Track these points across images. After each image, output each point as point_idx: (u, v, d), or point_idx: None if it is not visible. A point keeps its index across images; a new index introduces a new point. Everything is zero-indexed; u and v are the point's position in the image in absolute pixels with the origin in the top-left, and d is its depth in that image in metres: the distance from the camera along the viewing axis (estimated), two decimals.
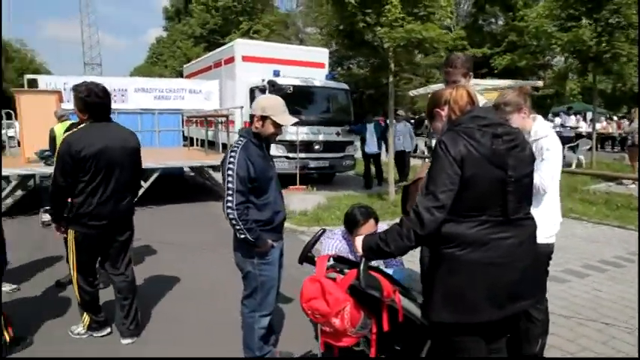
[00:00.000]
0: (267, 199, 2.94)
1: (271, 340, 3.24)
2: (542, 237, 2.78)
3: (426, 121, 2.80)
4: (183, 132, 14.42)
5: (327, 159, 11.37)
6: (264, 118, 2.88)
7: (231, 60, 12.58)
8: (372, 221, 3.15)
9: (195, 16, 35.90)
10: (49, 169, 5.44)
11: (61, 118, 5.99)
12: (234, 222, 2.78)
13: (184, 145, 14.13)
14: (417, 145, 15.67)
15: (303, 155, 10.88)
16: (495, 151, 1.98)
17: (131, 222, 3.72)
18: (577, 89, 31.17)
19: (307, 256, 2.47)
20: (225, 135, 11.21)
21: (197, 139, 13.97)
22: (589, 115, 21.99)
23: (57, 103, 8.35)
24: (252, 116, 2.96)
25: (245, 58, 12.20)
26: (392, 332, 2.37)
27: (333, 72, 14.09)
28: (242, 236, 2.81)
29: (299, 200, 8.71)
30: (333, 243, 3.28)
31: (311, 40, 32.14)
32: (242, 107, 10.67)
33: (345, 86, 12.52)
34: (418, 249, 2.58)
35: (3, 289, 4.45)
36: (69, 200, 3.40)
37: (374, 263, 3.26)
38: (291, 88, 10.73)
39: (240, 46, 12.56)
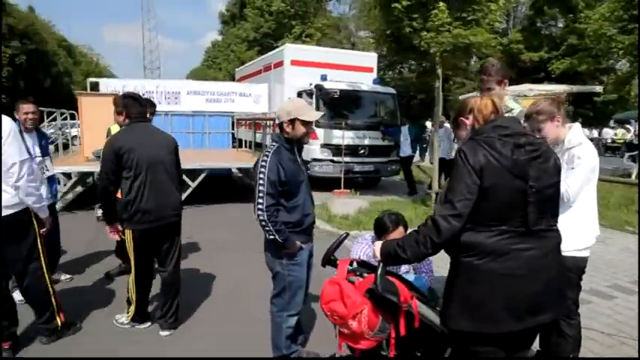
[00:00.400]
0: (296, 202, 3.03)
1: (299, 340, 3.33)
2: (573, 249, 2.73)
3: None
4: (233, 134, 14.81)
5: (372, 163, 11.37)
6: (292, 122, 2.98)
7: (280, 64, 12.84)
8: (401, 228, 3.17)
9: (250, 21, 36.70)
10: None
11: None
12: (263, 223, 2.89)
13: (233, 147, 14.51)
14: None
15: (348, 159, 10.94)
16: (516, 162, 1.97)
17: (180, 220, 3.91)
18: None
19: (330, 259, 2.53)
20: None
21: (246, 141, 14.32)
22: None
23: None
24: (281, 124, 3.05)
25: (294, 62, 12.43)
26: (413, 338, 2.39)
27: (380, 77, 13.92)
28: (271, 237, 2.92)
29: (341, 204, 8.78)
30: (362, 247, 3.32)
31: (363, 44, 32.17)
32: None
33: (392, 91, 12.49)
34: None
35: (60, 278, 4.79)
36: (118, 196, 3.64)
37: (404, 269, 3.31)
38: (338, 92, 10.85)
39: (290, 50, 12.79)
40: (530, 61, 29.37)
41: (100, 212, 7.87)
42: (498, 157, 1.96)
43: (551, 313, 2.13)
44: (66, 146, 12.79)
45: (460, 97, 12.21)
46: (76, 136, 16.02)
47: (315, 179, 10.82)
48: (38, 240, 3.48)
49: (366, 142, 11.26)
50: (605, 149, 23.92)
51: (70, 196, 9.17)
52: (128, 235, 3.66)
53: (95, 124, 8.43)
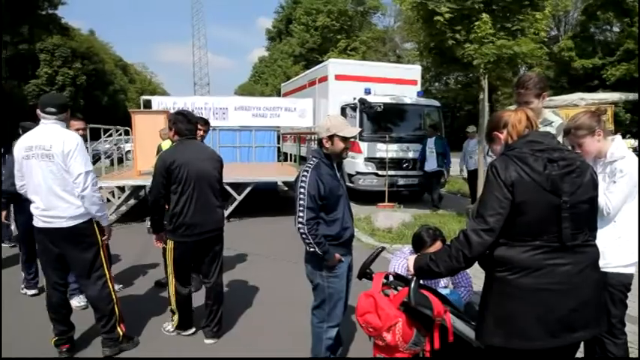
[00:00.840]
0: (336, 215, 3.11)
1: (338, 352, 3.38)
2: (617, 265, 2.66)
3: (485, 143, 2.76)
4: (278, 148, 15.09)
5: (416, 177, 11.29)
6: (331, 137, 3.07)
7: (324, 79, 13.02)
8: (438, 243, 3.19)
9: (296, 36, 37.38)
10: None
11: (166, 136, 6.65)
12: (304, 236, 2.98)
13: (279, 161, 14.78)
14: None
15: (392, 172, 10.91)
16: (549, 177, 1.97)
17: (222, 233, 4.06)
18: None
19: (365, 272, 2.59)
20: None
21: (291, 155, 14.55)
22: None
23: (165, 121, 9.21)
24: (320, 140, 3.15)
25: (338, 77, 12.57)
26: (448, 353, 2.41)
27: (426, 89, 13.79)
28: (311, 250, 3.01)
29: (385, 217, 8.77)
30: (400, 262, 3.35)
31: (408, 56, 32.06)
32: None
33: (437, 103, 12.40)
34: None
35: None
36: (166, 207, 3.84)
37: (442, 284, 3.32)
38: (382, 106, 10.88)
39: (334, 65, 12.96)
40: (583, 69, 28.28)
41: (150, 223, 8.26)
42: (530, 173, 1.98)
43: (589, 331, 2.10)
44: (120, 160, 13.46)
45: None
46: (129, 151, 16.81)
47: (358, 192, 10.90)
48: (101, 249, 3.71)
49: (410, 155, 11.21)
50: None
51: (123, 208, 9.61)
52: (170, 245, 3.85)
53: (147, 139, 8.85)
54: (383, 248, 2.92)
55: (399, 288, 2.36)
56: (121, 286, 5.23)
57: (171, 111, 10.37)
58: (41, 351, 3.73)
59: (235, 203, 9.27)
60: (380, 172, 10.95)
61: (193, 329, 4.10)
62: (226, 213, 9.27)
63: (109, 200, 9.14)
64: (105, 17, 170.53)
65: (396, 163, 11.10)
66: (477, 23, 7.96)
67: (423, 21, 8.91)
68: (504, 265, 2.02)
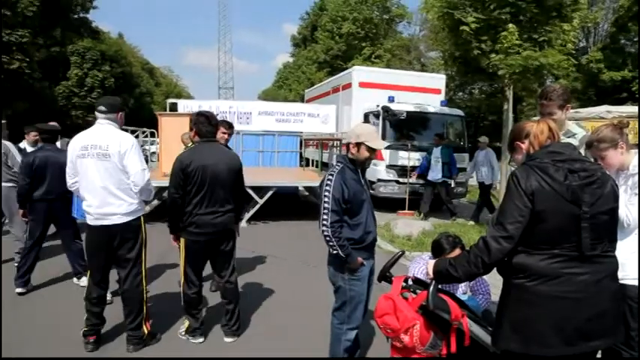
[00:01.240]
0: (359, 219, 3.18)
1: (356, 354, 3.43)
2: (637, 277, 2.65)
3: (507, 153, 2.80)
4: (300, 153, 15.20)
5: (451, 184, 11.24)
6: (358, 145, 3.16)
7: (348, 86, 13.11)
8: (457, 250, 3.23)
9: (321, 43, 37.57)
10: None
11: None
12: (327, 238, 3.06)
13: (301, 166, 14.89)
14: None
15: (413, 180, 10.91)
16: (569, 187, 2.01)
17: (233, 234, 4.13)
18: None
19: (385, 276, 2.65)
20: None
21: (313, 161, 14.65)
22: None
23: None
24: (348, 144, 3.24)
25: (362, 84, 12.65)
26: (465, 357, 2.45)
27: (450, 98, 13.72)
28: (334, 252, 3.08)
29: (405, 225, 8.79)
30: (419, 267, 3.40)
31: (433, 65, 31.96)
32: None
33: (460, 112, 12.37)
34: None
35: None
36: None
37: (461, 291, 3.35)
38: (405, 114, 10.92)
39: (358, 72, 13.05)
40: (611, 81, 27.77)
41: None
42: (551, 182, 2.01)
43: (605, 340, 2.12)
44: (145, 162, 13.69)
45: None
46: (154, 153, 17.15)
47: (379, 199, 10.92)
48: (144, 247, 3.91)
49: None
50: None
51: (147, 208, 9.81)
52: (182, 243, 3.96)
53: (172, 142, 9.04)
54: (403, 252, 2.98)
55: (418, 291, 2.42)
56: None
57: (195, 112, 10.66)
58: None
59: (257, 206, 9.40)
60: (401, 180, 10.97)
61: (201, 339, 4.09)
62: (248, 216, 9.43)
63: None
64: (133, 21, 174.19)
65: None
66: (503, 33, 7.96)
67: (449, 30, 8.94)
68: (523, 272, 2.06)
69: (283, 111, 12.74)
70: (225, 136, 5.12)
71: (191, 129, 4.02)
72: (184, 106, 12.31)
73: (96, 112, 3.74)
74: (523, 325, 2.07)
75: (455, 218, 10.23)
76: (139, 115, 35.54)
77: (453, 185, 10.63)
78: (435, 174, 10.26)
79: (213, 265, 4.13)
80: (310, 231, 8.79)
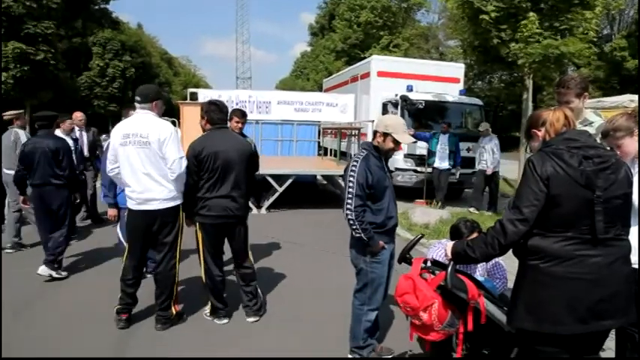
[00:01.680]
0: (381, 205, 3.31)
1: (375, 335, 3.57)
2: None
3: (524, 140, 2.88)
4: (319, 142, 15.31)
5: (455, 174, 11.28)
6: (385, 135, 3.28)
7: (366, 75, 13.14)
8: (475, 234, 3.34)
9: (338, 32, 37.44)
10: None
11: None
12: (351, 222, 3.19)
13: (319, 155, 15.01)
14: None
15: (431, 169, 10.94)
16: (583, 172, 2.09)
17: (244, 219, 4.24)
18: None
19: (405, 257, 2.77)
20: (356, 147, 11.76)
21: (331, 150, 14.76)
22: None
23: None
24: (375, 132, 3.36)
25: (380, 74, 12.66)
26: (481, 336, 2.56)
27: (469, 87, 13.63)
28: (357, 235, 3.21)
29: (422, 213, 8.87)
30: (438, 252, 3.50)
31: (451, 54, 31.66)
32: (373, 121, 11.11)
33: (479, 101, 12.32)
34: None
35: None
36: None
37: (478, 274, 3.46)
38: (423, 103, 10.94)
39: (376, 62, 13.06)
40: (636, 69, 27.21)
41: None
42: (565, 168, 2.10)
43: (618, 320, 2.20)
44: None
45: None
46: None
47: (397, 188, 10.96)
48: (180, 233, 4.07)
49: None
50: None
51: None
52: (198, 228, 4.11)
53: (193, 130, 9.22)
54: (422, 235, 3.10)
55: (437, 272, 2.53)
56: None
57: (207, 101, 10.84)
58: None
59: (276, 194, 9.57)
60: (419, 169, 11.02)
61: (226, 320, 4.25)
62: (267, 204, 9.61)
63: None
64: (151, 11, 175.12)
65: None
66: (523, 22, 7.93)
67: (469, 19, 8.93)
68: (537, 254, 2.16)
69: (302, 100, 12.84)
70: (239, 124, 5.27)
71: (203, 117, 4.13)
72: (204, 95, 12.48)
73: (135, 102, 3.93)
74: (537, 305, 2.17)
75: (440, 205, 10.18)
76: None
77: (456, 175, 10.65)
78: (443, 162, 10.31)
79: (231, 249, 4.27)
80: (328, 219, 8.95)
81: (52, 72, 22.84)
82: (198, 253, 4.22)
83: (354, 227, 3.18)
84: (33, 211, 5.63)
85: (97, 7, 32.23)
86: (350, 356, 3.52)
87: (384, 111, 11.51)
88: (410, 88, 11.36)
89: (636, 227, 2.57)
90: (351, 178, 3.17)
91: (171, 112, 14.72)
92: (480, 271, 3.48)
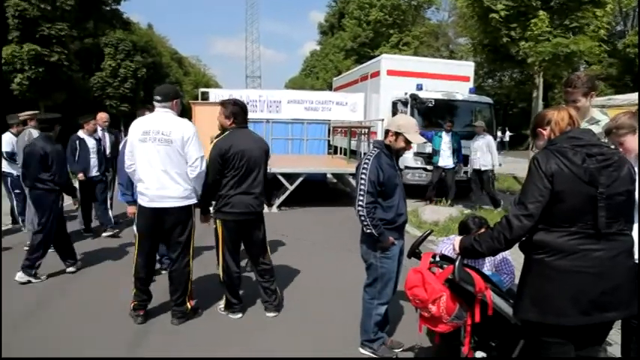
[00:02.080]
0: (392, 202, 3.41)
1: (385, 329, 3.66)
2: None
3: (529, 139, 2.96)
4: (328, 141, 15.40)
5: (465, 172, 11.31)
6: (397, 134, 3.37)
7: (376, 74, 13.21)
8: (483, 230, 3.40)
9: (348, 30, 37.49)
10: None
11: None
12: (362, 218, 3.29)
13: (329, 153, 15.09)
14: None
15: (433, 168, 10.94)
16: (586, 169, 2.17)
17: (262, 216, 4.36)
18: None
19: (414, 252, 2.86)
20: (366, 145, 11.83)
21: (341, 148, 14.84)
22: None
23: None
24: (387, 130, 3.46)
25: (390, 72, 12.73)
26: (488, 328, 2.65)
27: (479, 85, 13.59)
28: (368, 231, 3.31)
29: (432, 211, 8.94)
30: (447, 247, 3.58)
31: (461, 52, 31.54)
32: (383, 120, 11.19)
33: (489, 100, 12.32)
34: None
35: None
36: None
37: (486, 269, 3.54)
38: (433, 102, 11.00)
39: (386, 60, 13.13)
40: None
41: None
42: (569, 165, 2.18)
43: (621, 312, 2.28)
44: None
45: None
46: None
47: (407, 186, 11.01)
48: (193, 231, 4.17)
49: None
50: None
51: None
52: (218, 224, 4.21)
53: (206, 129, 9.35)
54: (431, 231, 3.19)
55: (445, 266, 2.62)
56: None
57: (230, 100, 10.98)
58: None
59: (287, 193, 9.68)
60: (429, 167, 11.06)
61: (240, 315, 4.37)
62: (278, 202, 9.72)
63: None
64: (161, 11, 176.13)
65: None
66: (533, 20, 7.96)
67: (478, 18, 8.95)
68: (542, 248, 2.24)
69: (312, 99, 12.93)
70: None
71: (228, 117, 4.21)
72: (216, 95, 12.63)
73: (154, 101, 3.99)
74: (542, 297, 2.26)
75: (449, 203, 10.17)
76: None
77: (460, 172, 10.66)
78: (447, 160, 10.29)
79: (248, 248, 4.38)
80: (338, 217, 9.06)
81: (65, 73, 23.21)
82: (216, 249, 4.32)
83: (365, 223, 3.28)
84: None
85: (108, 8, 32.55)
86: (361, 350, 3.62)
87: (394, 110, 11.57)
88: (420, 87, 11.41)
89: (637, 224, 2.64)
90: (363, 176, 3.27)
91: (182, 112, 14.89)
92: (488, 267, 3.56)
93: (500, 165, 10.73)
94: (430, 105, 10.98)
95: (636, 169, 2.34)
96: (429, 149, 10.93)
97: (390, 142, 3.39)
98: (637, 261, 2.40)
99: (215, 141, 4.18)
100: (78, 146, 6.97)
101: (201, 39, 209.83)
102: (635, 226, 2.43)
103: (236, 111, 4.20)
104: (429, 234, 3.09)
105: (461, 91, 12.05)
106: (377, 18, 33.38)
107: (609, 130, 2.87)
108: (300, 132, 14.19)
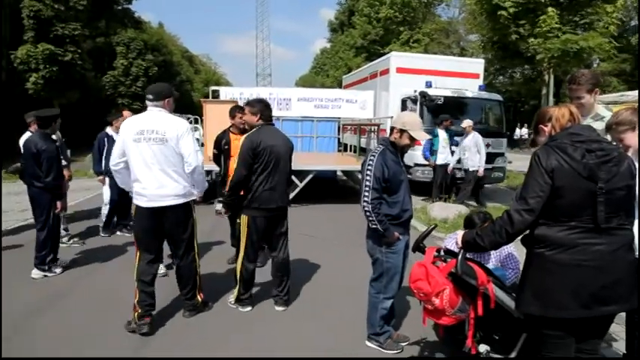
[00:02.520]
0: (397, 198, 3.46)
1: (391, 322, 3.73)
2: None
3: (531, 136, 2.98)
4: (338, 139, 15.45)
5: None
6: (402, 131, 3.43)
7: (386, 72, 13.21)
8: (487, 224, 3.45)
9: (358, 28, 37.43)
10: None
11: None
12: (367, 214, 3.36)
13: (339, 151, 15.14)
14: None
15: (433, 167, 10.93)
16: (586, 165, 2.22)
17: (287, 211, 4.50)
18: None
19: (419, 246, 2.92)
20: (376, 143, 11.85)
21: (351, 146, 14.88)
22: None
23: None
24: (392, 128, 3.52)
25: (399, 70, 12.72)
26: (491, 321, 2.70)
27: (490, 82, 13.54)
28: (373, 226, 3.38)
29: (441, 208, 8.96)
30: (452, 242, 3.63)
31: (472, 49, 31.38)
32: (392, 117, 11.20)
33: (498, 97, 12.27)
34: None
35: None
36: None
37: (492, 265, 3.59)
38: (442, 99, 10.99)
39: (395, 58, 13.13)
40: None
41: (218, 207, 8.78)
42: (569, 161, 2.23)
43: (620, 305, 2.32)
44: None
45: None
46: (198, 139, 17.75)
47: (416, 184, 11.08)
48: (196, 227, 4.22)
49: None
50: None
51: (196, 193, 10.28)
52: (244, 220, 4.30)
53: (216, 127, 9.44)
54: (435, 226, 3.25)
55: (448, 260, 2.68)
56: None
57: (239, 101, 11.09)
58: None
59: (297, 190, 9.76)
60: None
61: (249, 308, 4.47)
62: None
63: None
64: (171, 9, 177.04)
65: None
66: (542, 17, 7.94)
67: (487, 14, 8.94)
68: (543, 242, 2.30)
69: (322, 97, 12.98)
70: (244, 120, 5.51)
71: (255, 114, 4.32)
72: (226, 93, 12.74)
73: (146, 100, 3.93)
74: (543, 290, 2.31)
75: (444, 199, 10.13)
76: (180, 102, 36.39)
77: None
78: (446, 157, 10.16)
79: (269, 241, 4.50)
80: (347, 213, 9.10)
81: (78, 72, 23.48)
82: (238, 243, 4.41)
83: (371, 219, 3.34)
84: None
85: (119, 8, 32.83)
86: (367, 343, 3.70)
87: (403, 107, 11.58)
88: (429, 84, 11.41)
89: (638, 220, 2.68)
90: (368, 172, 3.34)
91: (193, 110, 15.03)
92: (493, 261, 3.61)
93: (510, 162, 10.68)
94: (439, 102, 10.97)
95: (636, 165, 2.38)
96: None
97: (395, 139, 3.45)
98: (637, 255, 2.45)
99: (246, 135, 4.28)
100: (107, 143, 6.95)
101: (212, 37, 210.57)
102: (636, 221, 2.47)
103: (262, 108, 4.32)
104: (433, 228, 3.15)
105: (471, 89, 12.02)
106: (387, 15, 33.28)
107: (610, 125, 2.91)
108: (310, 129, 14.25)
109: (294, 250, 6.41)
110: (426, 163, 10.92)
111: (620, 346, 3.58)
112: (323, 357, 3.62)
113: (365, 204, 3.33)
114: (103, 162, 6.87)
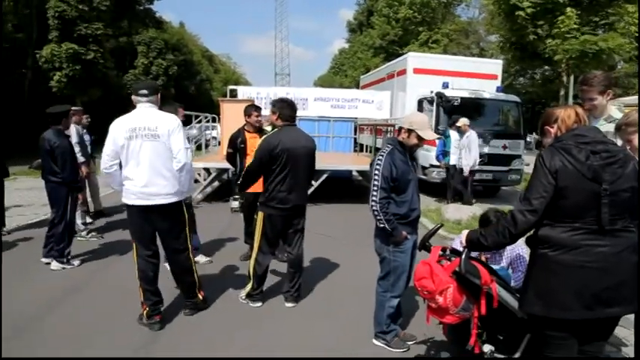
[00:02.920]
0: (405, 197, 3.49)
1: (398, 321, 3.76)
2: None
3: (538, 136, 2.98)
4: (355, 139, 15.47)
5: (490, 172, 11.19)
6: (410, 131, 3.46)
7: (403, 72, 13.20)
8: None
9: (376, 28, 37.34)
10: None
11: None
12: (375, 213, 3.40)
13: (355, 151, 15.16)
14: None
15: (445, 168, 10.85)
16: (590, 166, 2.22)
17: (305, 210, 4.56)
18: None
19: (425, 245, 2.95)
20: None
21: (367, 146, 14.89)
22: None
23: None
24: (400, 127, 3.55)
25: (416, 70, 12.71)
26: (495, 321, 2.72)
27: (510, 83, 13.41)
28: (381, 225, 3.42)
29: (455, 209, 8.91)
30: (458, 242, 3.64)
31: (491, 50, 31.05)
32: None
33: (516, 98, 12.14)
34: None
35: (200, 260, 5.57)
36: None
37: (503, 264, 3.59)
38: (459, 100, 10.93)
39: (412, 59, 13.11)
40: None
41: (234, 204, 8.88)
42: (573, 162, 2.24)
43: (624, 307, 2.32)
44: (205, 146, 14.48)
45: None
46: (215, 137, 17.97)
47: (430, 185, 11.05)
48: (186, 226, 4.16)
49: (486, 150, 11.07)
50: None
51: (208, 189, 10.44)
52: (260, 216, 4.37)
53: (233, 126, 9.54)
54: (441, 225, 3.27)
55: (453, 259, 2.70)
56: (209, 259, 5.84)
57: (256, 100, 11.20)
58: None
59: (312, 189, 9.79)
60: None
61: (260, 304, 4.52)
62: None
63: (197, 181, 10.02)
64: (192, 9, 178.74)
65: None
66: (560, 17, 7.84)
67: (504, 15, 8.87)
68: (546, 243, 2.30)
69: (338, 97, 13.04)
70: (259, 119, 5.64)
71: (274, 113, 4.35)
72: (244, 92, 12.88)
73: (136, 97, 3.83)
74: (546, 291, 2.32)
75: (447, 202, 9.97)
76: (199, 101, 36.94)
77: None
78: (458, 157, 9.92)
79: (284, 238, 4.57)
80: (361, 213, 9.04)
81: (101, 70, 23.98)
82: (253, 240, 4.49)
83: (379, 218, 3.38)
84: None
85: (141, 8, 33.35)
86: (374, 341, 3.73)
87: (420, 108, 11.55)
88: (446, 85, 11.35)
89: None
90: (377, 172, 3.37)
91: (212, 109, 15.21)
92: (504, 262, 3.62)
93: (527, 165, 10.53)
94: (456, 103, 10.91)
95: None
96: None
97: (403, 138, 3.48)
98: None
99: (265, 136, 4.34)
100: None
101: (232, 37, 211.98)
102: None
103: (280, 107, 4.35)
104: (439, 227, 3.17)
105: (488, 90, 11.93)
106: (406, 15, 33.13)
107: (619, 126, 2.89)
108: (327, 129, 14.31)
109: (306, 249, 6.48)
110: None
111: (629, 351, 3.55)
112: (329, 357, 3.63)
113: (373, 203, 3.36)
114: None
